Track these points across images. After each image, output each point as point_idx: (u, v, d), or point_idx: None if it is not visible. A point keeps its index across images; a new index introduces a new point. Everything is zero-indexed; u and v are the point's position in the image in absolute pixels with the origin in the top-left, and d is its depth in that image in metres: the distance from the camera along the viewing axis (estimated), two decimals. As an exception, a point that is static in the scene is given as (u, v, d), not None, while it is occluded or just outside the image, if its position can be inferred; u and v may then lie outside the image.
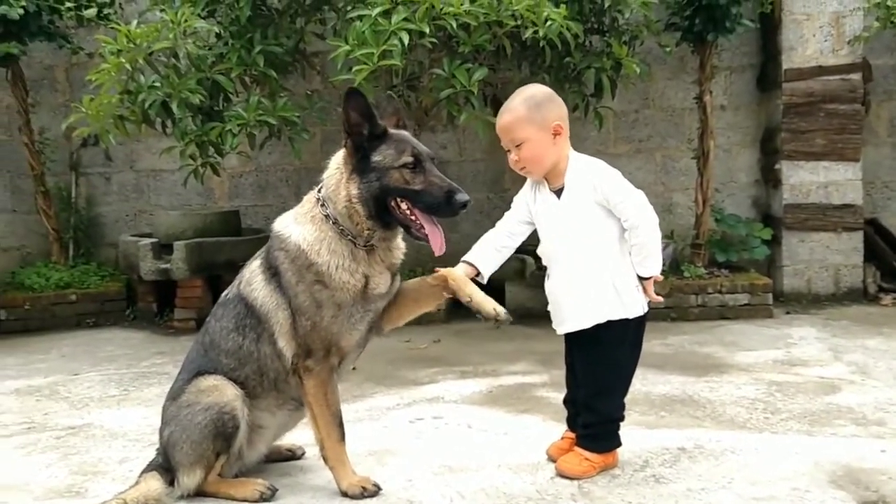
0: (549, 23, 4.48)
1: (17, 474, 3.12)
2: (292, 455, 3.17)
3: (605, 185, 2.77)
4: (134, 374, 4.72)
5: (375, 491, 2.75)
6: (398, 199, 2.64)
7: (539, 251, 2.98)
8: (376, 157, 2.63)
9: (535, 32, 4.49)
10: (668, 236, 6.51)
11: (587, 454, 2.86)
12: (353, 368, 4.27)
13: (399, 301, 2.87)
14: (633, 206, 2.76)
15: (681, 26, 5.83)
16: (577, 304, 2.83)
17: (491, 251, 2.95)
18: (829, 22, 6.26)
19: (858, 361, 4.43)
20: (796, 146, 6.34)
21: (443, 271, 2.79)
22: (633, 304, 2.83)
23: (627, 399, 3.73)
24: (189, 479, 2.72)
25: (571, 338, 2.93)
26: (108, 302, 6.44)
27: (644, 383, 4.07)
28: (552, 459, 2.99)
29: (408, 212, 2.64)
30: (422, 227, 2.64)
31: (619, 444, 2.94)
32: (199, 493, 2.75)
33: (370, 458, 3.11)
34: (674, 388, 4.00)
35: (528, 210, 2.96)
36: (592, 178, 2.79)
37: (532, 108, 2.79)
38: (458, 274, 2.78)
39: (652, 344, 4.95)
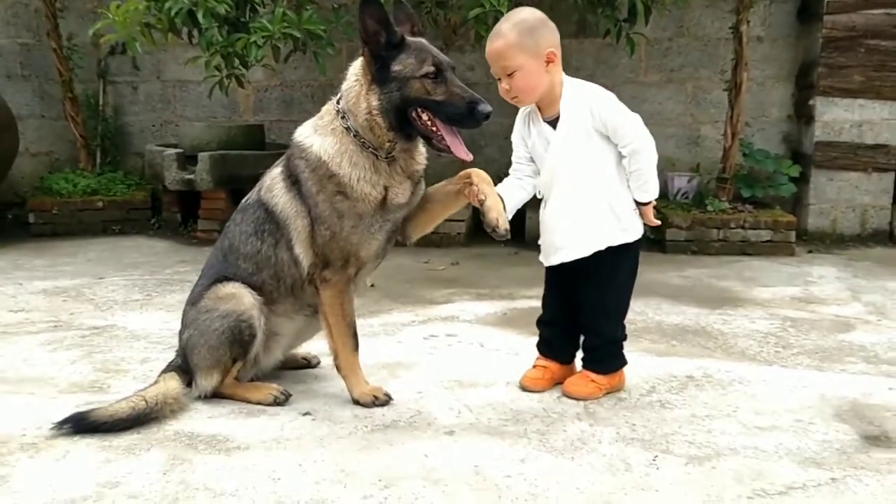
0: (584, -58, 4.35)
1: (42, 368, 3.24)
2: (308, 364, 3.26)
3: (604, 111, 2.73)
4: (157, 281, 4.82)
5: (386, 400, 2.83)
6: (419, 110, 2.61)
7: (537, 182, 2.91)
8: (396, 67, 2.59)
9: (570, -49, 4.37)
10: (693, 169, 6.45)
11: (593, 376, 2.91)
12: (372, 285, 4.36)
13: (425, 206, 2.87)
14: (634, 131, 2.73)
15: (722, -49, 5.64)
16: (578, 232, 2.81)
17: (515, 188, 2.90)
18: (877, -49, 6.02)
19: (876, 302, 4.41)
20: (832, 82, 6.18)
21: (468, 170, 2.76)
22: (633, 229, 2.84)
23: (639, 327, 3.81)
24: (206, 382, 2.82)
25: (568, 265, 2.87)
26: (133, 210, 6.54)
27: (657, 313, 4.10)
28: (525, 389, 2.98)
29: (429, 122, 2.62)
30: (443, 138, 2.62)
31: (624, 362, 2.98)
32: (216, 394, 2.85)
33: (383, 371, 3.19)
34: (687, 319, 4.03)
35: (525, 145, 2.91)
36: (590, 103, 2.74)
37: (524, 34, 2.67)
38: (482, 173, 2.74)
39: (669, 275, 4.97)
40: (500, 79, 2.76)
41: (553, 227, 2.88)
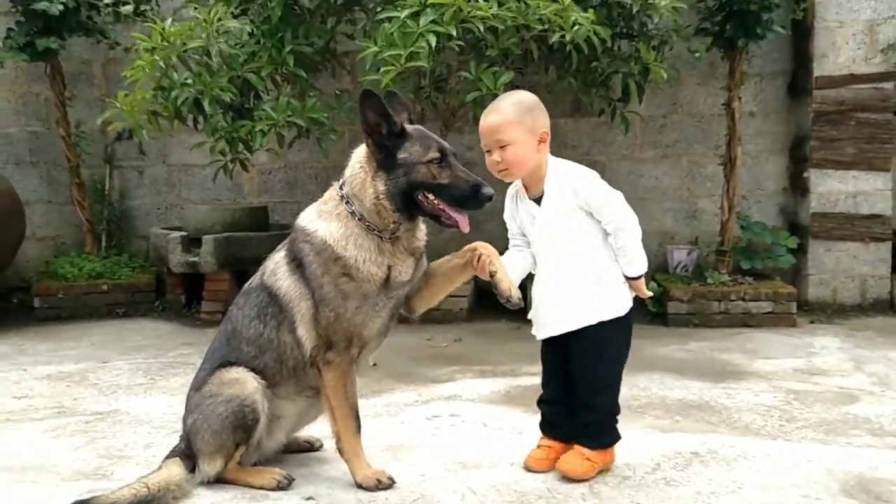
0: (576, 27, 4.50)
1: (46, 456, 3.23)
2: (310, 447, 3.25)
3: (587, 191, 2.82)
4: (161, 364, 4.83)
5: (390, 484, 2.81)
6: (425, 192, 2.71)
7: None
8: (402, 154, 2.70)
9: (563, 37, 4.53)
10: (692, 242, 6.52)
11: (588, 453, 2.90)
12: (374, 364, 4.37)
13: (429, 281, 2.94)
14: (615, 209, 2.82)
15: (711, 31, 5.83)
16: (566, 305, 2.87)
17: (518, 258, 3.00)
18: (862, 30, 6.20)
19: (880, 372, 4.40)
20: (825, 154, 6.29)
21: (474, 244, 2.84)
22: (623, 302, 2.89)
23: (643, 403, 3.81)
24: (209, 467, 2.82)
25: (561, 341, 2.93)
26: (138, 293, 6.58)
27: (661, 388, 4.10)
28: (529, 469, 2.98)
29: (435, 202, 2.72)
30: (450, 216, 2.72)
31: (618, 437, 2.97)
32: (219, 479, 2.84)
33: (386, 453, 3.17)
34: (690, 394, 4.02)
35: (515, 221, 3.02)
36: (574, 183, 2.84)
37: (523, 112, 2.82)
38: (489, 245, 2.82)
39: (672, 349, 4.97)
40: (489, 151, 2.86)
41: (542, 301, 2.96)
